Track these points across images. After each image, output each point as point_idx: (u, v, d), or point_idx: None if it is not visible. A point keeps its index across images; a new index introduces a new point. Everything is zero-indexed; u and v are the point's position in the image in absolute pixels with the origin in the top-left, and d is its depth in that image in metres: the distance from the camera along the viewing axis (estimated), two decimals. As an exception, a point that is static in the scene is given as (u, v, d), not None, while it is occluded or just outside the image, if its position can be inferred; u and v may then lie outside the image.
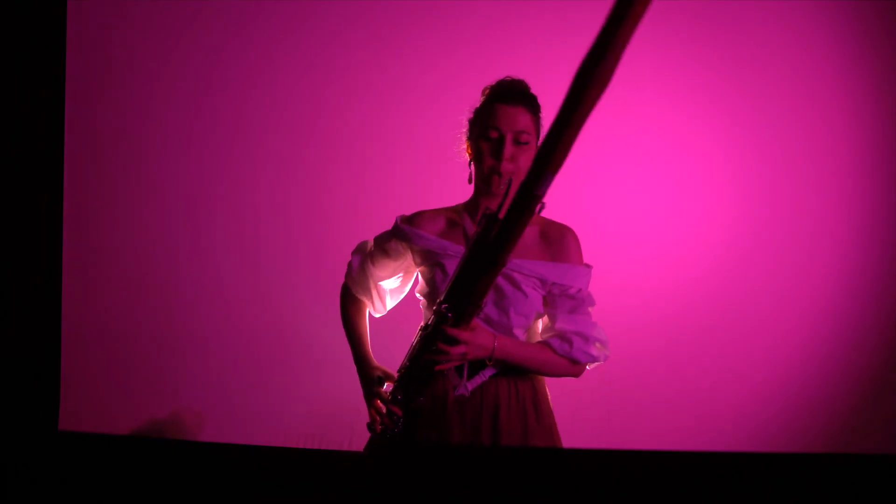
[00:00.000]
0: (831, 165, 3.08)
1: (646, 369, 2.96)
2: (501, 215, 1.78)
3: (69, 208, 3.11)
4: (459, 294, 1.87)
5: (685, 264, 3.00)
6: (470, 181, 2.13)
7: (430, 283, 2.09)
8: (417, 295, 2.17)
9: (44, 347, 3.10)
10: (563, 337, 2.04)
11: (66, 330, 3.10)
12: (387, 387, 2.11)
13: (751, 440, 3.01)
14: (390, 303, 2.26)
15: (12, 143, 3.09)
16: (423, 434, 2.04)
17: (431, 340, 1.92)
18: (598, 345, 2.05)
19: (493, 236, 1.79)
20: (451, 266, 2.06)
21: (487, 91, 2.12)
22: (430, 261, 2.11)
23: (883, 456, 1.24)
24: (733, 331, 2.98)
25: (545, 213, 2.15)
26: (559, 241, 2.11)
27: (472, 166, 2.11)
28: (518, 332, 2.06)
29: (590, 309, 2.09)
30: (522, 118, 2.05)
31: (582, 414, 2.76)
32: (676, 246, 3.01)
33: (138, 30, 3.11)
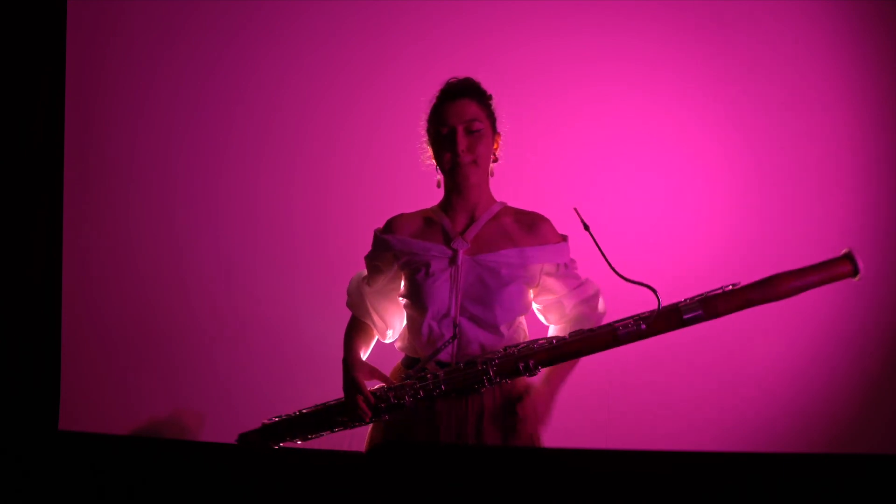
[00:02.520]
0: (833, 165, 3.08)
1: (646, 369, 2.96)
2: (645, 327, 1.98)
3: (69, 208, 3.11)
4: (555, 355, 2.01)
5: (686, 265, 3.00)
6: (438, 185, 2.16)
7: (413, 283, 2.09)
8: (401, 299, 2.16)
9: (44, 347, 3.10)
10: (580, 319, 2.12)
11: (66, 330, 3.10)
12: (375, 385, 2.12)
13: (752, 440, 3.01)
14: (396, 323, 2.23)
15: (12, 143, 3.09)
16: (410, 434, 2.07)
17: (488, 380, 2.00)
18: (600, 298, 2.16)
19: (625, 333, 1.98)
20: (437, 266, 2.08)
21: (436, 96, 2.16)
22: (413, 262, 2.11)
23: (883, 456, 1.24)
24: (734, 331, 2.98)
25: (515, 203, 2.18)
26: (535, 227, 2.14)
27: (438, 171, 2.14)
28: (503, 328, 2.07)
29: (577, 272, 2.16)
30: (469, 108, 2.09)
31: (584, 415, 2.76)
32: (677, 246, 3.01)
33: (138, 29, 3.11)
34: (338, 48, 3.08)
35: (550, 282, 2.11)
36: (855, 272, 1.92)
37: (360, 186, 3.06)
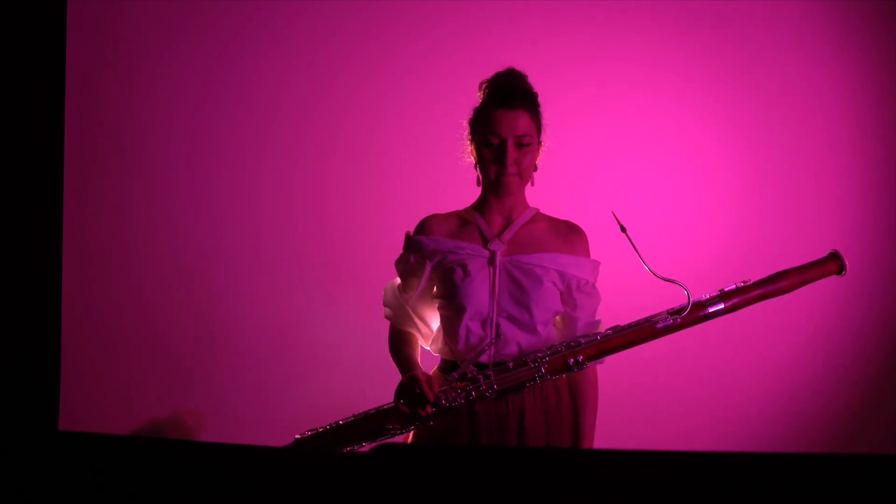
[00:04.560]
0: (833, 164, 3.08)
1: (646, 370, 2.96)
2: (679, 321, 2.04)
3: (69, 208, 3.11)
4: (601, 349, 2.04)
5: (686, 265, 3.00)
6: (478, 184, 2.14)
7: (450, 283, 2.07)
8: (434, 300, 2.14)
9: (44, 347, 3.10)
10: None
11: (66, 330, 3.10)
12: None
13: (752, 440, 3.01)
14: (436, 325, 2.19)
15: (12, 143, 3.09)
16: (452, 437, 2.05)
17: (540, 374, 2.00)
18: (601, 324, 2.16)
19: (663, 327, 2.04)
20: (474, 266, 2.06)
21: (485, 88, 2.12)
22: (448, 261, 2.09)
23: (883, 456, 1.24)
24: (733, 332, 2.98)
25: (549, 211, 2.18)
26: (570, 237, 2.13)
27: (478, 169, 2.12)
28: (541, 328, 2.06)
29: (598, 294, 2.16)
30: (522, 122, 2.06)
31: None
32: (676, 246, 3.01)
33: (138, 29, 3.11)
34: (338, 48, 3.08)
35: (576, 296, 2.11)
36: (842, 269, 2.11)
37: (360, 186, 3.06)
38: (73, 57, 3.10)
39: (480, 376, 2.01)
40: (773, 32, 3.05)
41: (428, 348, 2.21)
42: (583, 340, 2.04)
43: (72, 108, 3.10)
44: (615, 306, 2.25)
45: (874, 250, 3.05)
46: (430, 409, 1.99)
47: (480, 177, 2.12)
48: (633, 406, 2.99)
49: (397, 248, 2.20)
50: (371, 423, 2.06)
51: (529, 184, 2.13)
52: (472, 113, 2.12)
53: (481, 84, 2.12)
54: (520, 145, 2.06)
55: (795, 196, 3.07)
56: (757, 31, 3.05)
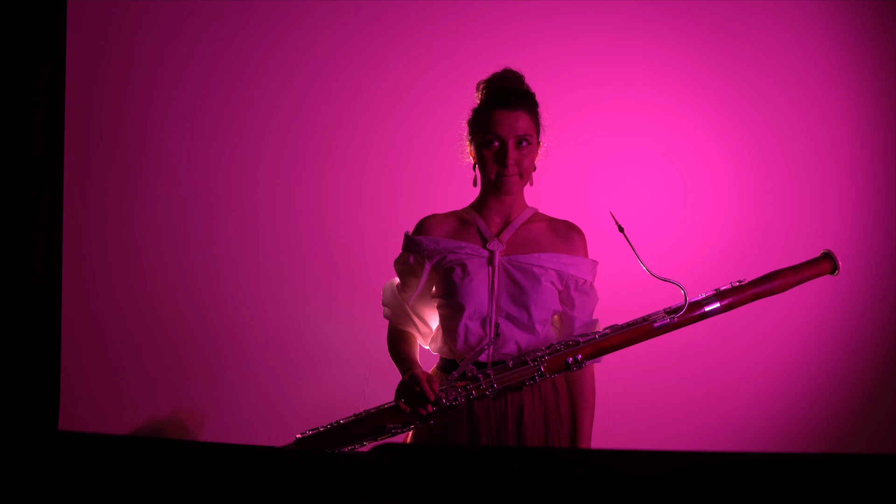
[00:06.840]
0: (834, 165, 3.08)
1: (646, 371, 2.96)
2: (676, 320, 2.05)
3: (69, 207, 3.11)
4: (600, 348, 2.04)
5: (687, 264, 3.00)
6: (475, 184, 2.14)
7: (450, 282, 2.08)
8: (433, 299, 2.15)
9: (44, 347, 3.10)
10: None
11: (66, 330, 3.10)
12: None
13: (752, 440, 3.01)
14: (435, 325, 2.20)
15: (12, 143, 3.09)
16: (451, 437, 2.06)
17: (538, 373, 2.00)
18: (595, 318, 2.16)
19: (660, 326, 2.04)
20: (473, 266, 2.07)
21: (483, 89, 2.12)
22: (447, 261, 2.10)
23: (883, 456, 1.24)
24: (733, 332, 2.98)
25: (547, 211, 2.18)
26: (568, 236, 2.14)
27: (477, 169, 2.12)
28: (539, 327, 2.07)
29: (596, 294, 2.17)
30: (522, 122, 2.06)
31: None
32: (677, 247, 3.01)
33: (139, 29, 3.11)
34: (338, 48, 3.08)
35: (574, 295, 2.12)
36: (835, 269, 2.13)
37: (360, 186, 3.06)
38: (73, 57, 3.10)
39: (480, 375, 2.02)
40: (773, 32, 3.06)
41: (427, 348, 2.21)
42: (581, 339, 2.05)
43: (72, 108, 3.10)
44: (613, 305, 2.25)
45: (873, 250, 3.05)
46: (430, 408, 2.00)
47: (479, 177, 2.13)
48: (631, 406, 2.99)
49: (397, 248, 2.20)
50: (372, 421, 2.07)
51: (528, 184, 2.13)
52: (470, 114, 2.13)
53: (479, 85, 2.13)
54: (520, 145, 2.06)
55: (795, 196, 3.07)
56: (757, 31, 3.05)
